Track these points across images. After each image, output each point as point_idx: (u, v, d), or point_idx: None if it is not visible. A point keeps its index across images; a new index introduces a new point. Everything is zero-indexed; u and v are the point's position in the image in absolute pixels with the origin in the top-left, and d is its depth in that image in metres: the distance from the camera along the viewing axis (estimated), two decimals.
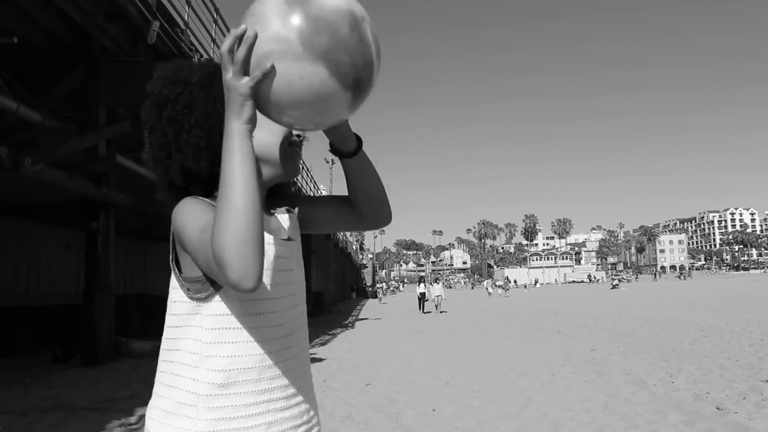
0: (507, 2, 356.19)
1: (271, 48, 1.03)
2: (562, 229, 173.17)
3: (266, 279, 1.22)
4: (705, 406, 5.88)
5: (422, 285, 29.97)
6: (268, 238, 1.25)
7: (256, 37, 1.04)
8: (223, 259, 0.99)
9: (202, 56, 10.43)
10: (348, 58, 1.05)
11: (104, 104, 10.19)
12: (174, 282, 1.24)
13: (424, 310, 27.52)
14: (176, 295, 1.23)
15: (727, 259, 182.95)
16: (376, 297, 53.13)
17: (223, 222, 1.00)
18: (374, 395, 7.26)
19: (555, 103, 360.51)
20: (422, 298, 28.86)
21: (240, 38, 1.04)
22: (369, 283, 73.79)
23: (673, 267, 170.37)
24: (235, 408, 1.17)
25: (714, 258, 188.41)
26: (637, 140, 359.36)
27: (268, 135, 1.25)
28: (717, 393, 6.45)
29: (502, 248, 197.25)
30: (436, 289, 27.74)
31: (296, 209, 1.46)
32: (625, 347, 10.85)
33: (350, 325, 21.16)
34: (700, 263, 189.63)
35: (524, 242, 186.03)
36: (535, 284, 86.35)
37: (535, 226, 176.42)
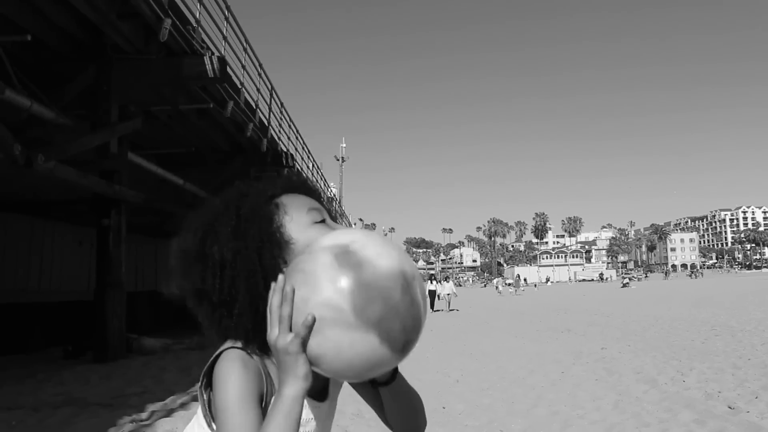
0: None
1: (322, 314, 1.00)
2: (573, 227, 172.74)
3: None
4: (716, 404, 5.86)
5: (433, 283, 29.69)
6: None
7: (301, 299, 1.02)
8: None
9: (213, 53, 10.44)
10: (399, 324, 1.02)
11: (116, 102, 10.23)
12: (199, 411, 1.20)
13: (435, 309, 27.29)
14: (202, 422, 1.18)
15: (738, 258, 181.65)
16: None
17: None
18: None
19: (566, 101, 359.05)
20: (432, 296, 28.39)
21: (286, 296, 1.02)
22: None
23: (684, 266, 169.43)
24: None
25: (726, 256, 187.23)
26: (648, 138, 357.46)
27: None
28: (729, 392, 6.43)
29: (512, 246, 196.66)
30: (446, 287, 27.56)
31: None
32: (636, 346, 10.81)
33: None
34: (711, 262, 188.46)
35: (534, 240, 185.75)
36: (547, 282, 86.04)
37: (545, 224, 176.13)
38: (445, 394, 7.03)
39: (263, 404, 1.11)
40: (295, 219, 1.16)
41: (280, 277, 1.04)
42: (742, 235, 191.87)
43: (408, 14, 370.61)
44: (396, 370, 1.24)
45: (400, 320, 1.01)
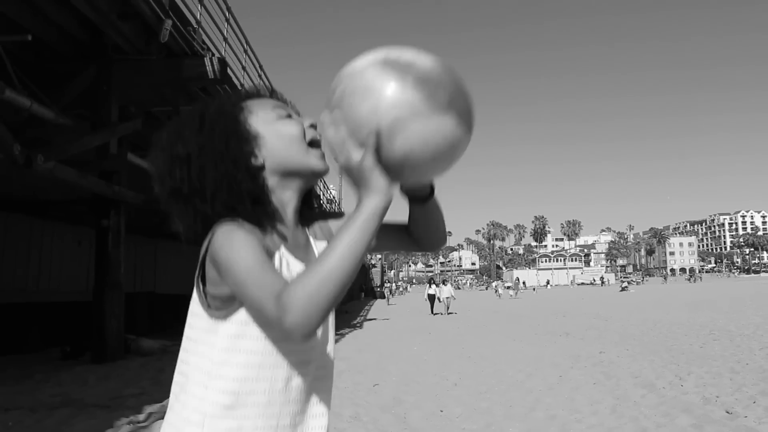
0: (517, 1, 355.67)
1: (399, 114, 1.08)
2: (572, 230, 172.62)
3: None
4: (714, 409, 5.85)
5: (432, 287, 29.57)
6: (299, 266, 1.24)
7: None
8: (291, 307, 0.99)
9: (213, 54, 10.45)
10: (464, 100, 1.14)
11: (116, 102, 10.24)
12: (195, 296, 1.21)
13: (434, 312, 27.19)
14: (196, 308, 1.21)
15: (737, 262, 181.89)
16: (384, 297, 53.11)
17: (315, 277, 1.01)
18: (382, 395, 7.26)
19: (564, 104, 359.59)
20: (432, 299, 28.45)
21: (337, 120, 1.11)
22: (378, 284, 73.84)
23: (683, 269, 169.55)
24: (241, 431, 1.14)
25: (724, 261, 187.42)
26: (647, 142, 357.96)
27: (279, 143, 1.26)
28: (726, 396, 6.42)
29: (511, 249, 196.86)
30: (445, 291, 27.46)
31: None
32: (634, 349, 10.81)
33: (359, 325, 21.18)
34: (710, 266, 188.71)
35: (533, 244, 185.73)
36: (547, 285, 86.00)
37: (544, 227, 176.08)
38: (443, 398, 7.02)
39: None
40: (261, 116, 1.26)
41: (327, 112, 1.15)
42: (741, 240, 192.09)
43: (408, 15, 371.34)
44: (433, 190, 1.36)
45: (463, 97, 1.14)
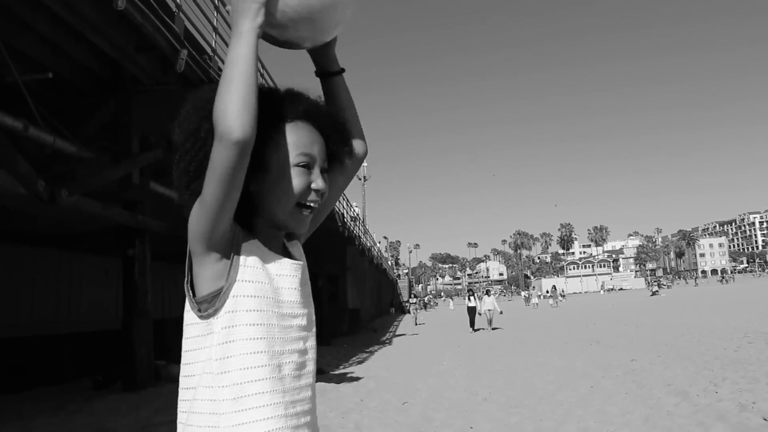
0: None
1: None
2: (599, 236, 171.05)
3: (268, 293, 1.27)
4: (751, 416, 5.72)
5: (471, 299, 25.61)
6: (285, 262, 1.33)
7: None
8: (221, 112, 1.11)
9: None
10: None
11: (137, 133, 10.39)
12: (187, 305, 1.28)
13: (475, 328, 23.81)
14: (189, 317, 1.28)
15: None
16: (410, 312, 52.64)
17: (226, 85, 1.13)
18: (411, 414, 7.23)
19: (587, 106, 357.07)
20: (472, 313, 24.64)
21: None
22: (405, 298, 73.72)
23: (714, 271, 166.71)
24: (255, 423, 1.19)
25: (757, 260, 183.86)
26: (670, 140, 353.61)
27: (277, 187, 1.29)
28: (763, 403, 6.26)
29: (539, 258, 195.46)
30: (487, 303, 24.36)
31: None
32: (666, 356, 10.64)
33: (387, 341, 21.15)
34: (742, 266, 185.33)
35: (560, 251, 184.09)
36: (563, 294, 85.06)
37: (570, 234, 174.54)
38: (472, 414, 6.97)
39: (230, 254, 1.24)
40: (282, 151, 1.29)
41: None
42: None
43: (423, 17, 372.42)
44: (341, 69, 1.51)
45: None
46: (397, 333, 26.38)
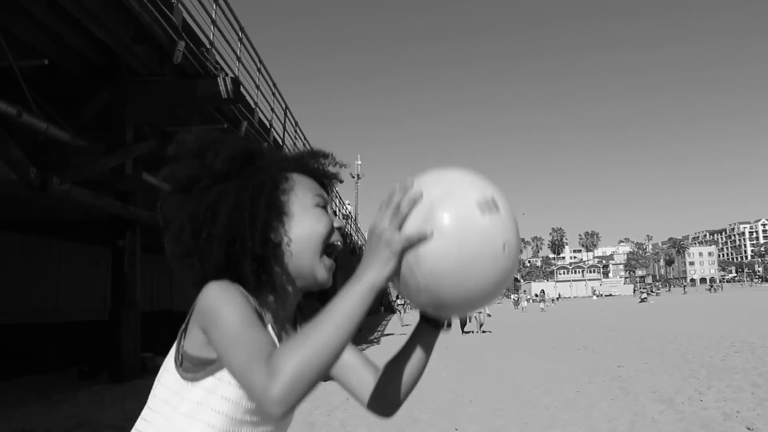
0: (538, 6, 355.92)
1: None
2: (590, 242, 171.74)
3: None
4: (735, 425, 5.76)
5: None
6: None
7: (421, 196, 1.06)
8: (280, 375, 0.93)
9: (227, 75, 10.54)
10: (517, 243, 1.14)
11: (131, 123, 10.35)
12: (172, 350, 1.17)
13: (465, 331, 23.41)
14: (169, 365, 1.16)
15: (759, 272, 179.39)
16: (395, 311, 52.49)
17: (307, 346, 0.95)
18: (397, 414, 7.20)
19: (581, 114, 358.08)
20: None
21: (412, 198, 1.05)
22: (394, 298, 73.75)
23: (703, 280, 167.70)
24: None
25: (745, 270, 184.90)
26: (663, 149, 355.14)
27: (302, 235, 1.17)
28: (748, 412, 6.31)
29: (529, 262, 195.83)
30: None
31: None
32: (653, 363, 10.68)
33: (375, 340, 21.12)
34: (731, 276, 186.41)
35: (551, 256, 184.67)
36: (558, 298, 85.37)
37: (562, 239, 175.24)
38: (458, 416, 6.97)
39: None
40: (300, 196, 1.19)
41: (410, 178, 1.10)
42: (762, 248, 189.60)
43: (421, 25, 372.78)
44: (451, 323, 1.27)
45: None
46: (385, 332, 26.37)
